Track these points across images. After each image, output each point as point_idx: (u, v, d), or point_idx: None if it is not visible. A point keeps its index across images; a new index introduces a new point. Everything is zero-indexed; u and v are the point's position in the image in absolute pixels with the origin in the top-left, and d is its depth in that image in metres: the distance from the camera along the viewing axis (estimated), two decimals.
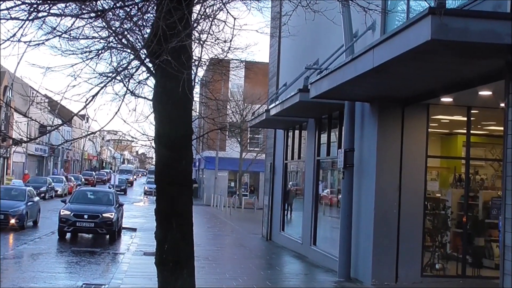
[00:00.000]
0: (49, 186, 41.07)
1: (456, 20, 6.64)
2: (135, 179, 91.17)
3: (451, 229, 12.02)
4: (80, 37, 6.79)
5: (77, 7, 6.25)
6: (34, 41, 6.08)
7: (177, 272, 6.26)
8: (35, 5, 5.79)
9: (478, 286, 11.06)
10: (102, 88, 6.65)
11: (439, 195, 12.33)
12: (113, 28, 6.53)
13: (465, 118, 11.43)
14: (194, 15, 6.49)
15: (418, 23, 6.82)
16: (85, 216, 18.94)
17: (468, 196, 11.73)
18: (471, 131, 11.49)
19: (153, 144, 6.77)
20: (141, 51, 6.57)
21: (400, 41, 7.42)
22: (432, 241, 11.81)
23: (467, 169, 11.70)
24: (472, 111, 11.31)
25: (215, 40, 7.40)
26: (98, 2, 6.27)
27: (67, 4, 6.21)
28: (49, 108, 47.98)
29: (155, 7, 6.27)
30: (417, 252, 11.22)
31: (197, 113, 14.64)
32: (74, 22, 6.26)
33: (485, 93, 9.88)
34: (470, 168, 11.77)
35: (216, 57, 8.60)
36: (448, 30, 6.54)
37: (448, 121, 12.64)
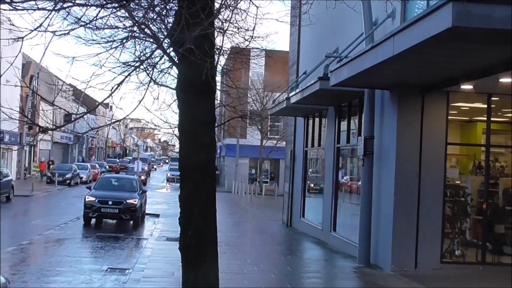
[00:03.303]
0: (75, 173, 41.80)
1: (479, 6, 6.50)
2: (154, 169, 79.60)
3: (471, 216, 12.03)
4: (104, 27, 6.89)
5: None
6: (59, 31, 6.19)
7: (200, 257, 6.33)
8: None
9: (498, 273, 11.04)
10: (126, 77, 6.77)
11: (459, 182, 12.33)
12: (136, 18, 6.62)
13: (485, 105, 11.40)
14: (217, 5, 6.55)
15: (439, 10, 6.77)
16: (110, 202, 19.41)
17: (488, 183, 11.72)
18: (491, 118, 11.46)
19: (176, 132, 6.87)
20: (164, 41, 6.67)
21: (421, 29, 7.41)
22: (451, 228, 11.84)
23: (487, 156, 11.69)
24: (492, 98, 11.28)
25: (237, 29, 7.45)
26: None
27: None
28: (73, 97, 48.62)
29: None
30: (436, 239, 11.28)
31: (219, 101, 14.78)
32: (98, 12, 6.37)
33: (506, 80, 9.84)
34: (490, 155, 11.76)
35: (238, 46, 8.67)
36: (471, 17, 6.43)
37: (468, 108, 12.60)
